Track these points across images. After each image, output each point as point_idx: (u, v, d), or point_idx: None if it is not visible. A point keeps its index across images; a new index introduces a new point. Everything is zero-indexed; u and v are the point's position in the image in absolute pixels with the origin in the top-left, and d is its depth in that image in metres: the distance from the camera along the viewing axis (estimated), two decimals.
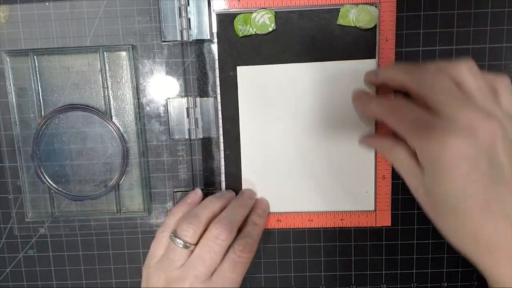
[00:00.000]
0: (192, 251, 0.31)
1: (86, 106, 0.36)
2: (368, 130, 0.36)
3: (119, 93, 0.36)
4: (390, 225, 0.37)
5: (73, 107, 0.36)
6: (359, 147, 0.36)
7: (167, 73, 0.36)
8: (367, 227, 0.38)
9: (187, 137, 0.36)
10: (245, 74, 0.36)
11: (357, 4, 0.34)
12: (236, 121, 0.37)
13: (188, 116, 0.36)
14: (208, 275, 0.30)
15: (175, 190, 0.37)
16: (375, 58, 0.35)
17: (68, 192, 0.37)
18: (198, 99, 0.36)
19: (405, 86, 0.29)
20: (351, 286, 0.39)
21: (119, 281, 0.39)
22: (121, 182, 0.37)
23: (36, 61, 0.35)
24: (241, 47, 0.35)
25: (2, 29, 0.35)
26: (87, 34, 0.35)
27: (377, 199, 0.37)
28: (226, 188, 0.38)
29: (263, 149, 0.37)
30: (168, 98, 0.36)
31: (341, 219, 0.37)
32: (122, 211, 0.38)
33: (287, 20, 0.35)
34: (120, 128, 0.36)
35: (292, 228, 0.38)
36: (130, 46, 0.35)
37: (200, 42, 0.35)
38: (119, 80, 0.36)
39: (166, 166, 0.37)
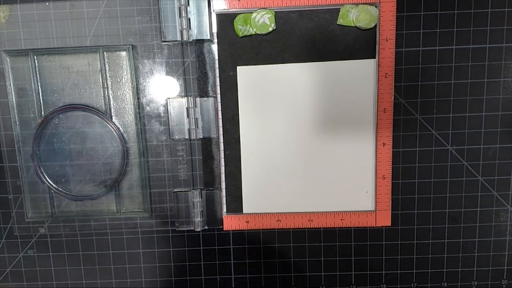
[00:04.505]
0: None
1: (86, 106, 0.36)
2: (368, 130, 0.36)
3: (119, 93, 0.36)
4: (390, 225, 0.37)
5: (73, 107, 0.36)
6: (359, 147, 0.36)
7: (167, 73, 0.36)
8: (367, 227, 0.38)
9: (187, 137, 0.36)
10: (245, 74, 0.36)
11: (357, 4, 0.34)
12: (236, 121, 0.37)
13: (188, 116, 0.36)
14: None
15: (175, 190, 0.37)
16: (375, 58, 0.35)
17: (68, 192, 0.37)
18: (198, 99, 0.36)
19: None
20: (351, 286, 0.39)
21: (119, 281, 0.39)
22: (121, 182, 0.37)
23: (36, 61, 0.35)
24: (241, 47, 0.35)
25: (2, 29, 0.35)
26: (87, 34, 0.35)
27: (377, 199, 0.37)
28: (226, 188, 0.38)
29: (263, 149, 0.37)
30: (168, 98, 0.36)
31: (341, 219, 0.37)
32: (122, 211, 0.38)
33: (287, 20, 0.35)
34: (120, 128, 0.36)
35: (292, 228, 0.38)
36: (130, 46, 0.35)
37: (200, 42, 0.35)
38: (119, 80, 0.36)
39: (166, 166, 0.37)
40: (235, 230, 0.38)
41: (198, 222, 0.37)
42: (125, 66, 0.36)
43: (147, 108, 0.36)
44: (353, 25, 0.34)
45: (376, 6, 0.34)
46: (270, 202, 0.37)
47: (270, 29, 0.35)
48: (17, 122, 0.36)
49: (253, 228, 0.38)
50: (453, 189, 0.37)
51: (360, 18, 0.34)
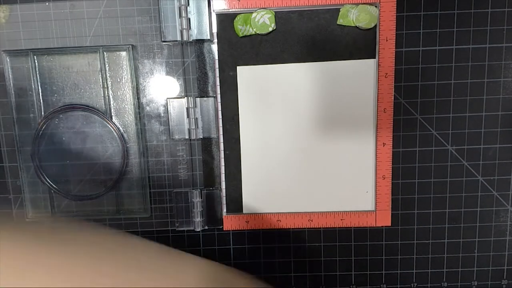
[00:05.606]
0: None
1: (86, 106, 0.36)
2: (368, 130, 0.36)
3: (119, 93, 0.36)
4: (390, 225, 0.37)
5: (73, 107, 0.36)
6: (359, 147, 0.36)
7: (167, 73, 0.36)
8: (367, 227, 0.38)
9: (187, 137, 0.36)
10: (245, 74, 0.36)
11: (357, 4, 0.34)
12: (236, 121, 0.37)
13: (188, 116, 0.36)
14: None
15: (175, 190, 0.37)
16: (375, 58, 0.35)
17: (68, 192, 0.37)
18: (198, 99, 0.36)
19: None
20: (351, 286, 0.39)
21: None
22: (121, 182, 0.37)
23: (36, 61, 0.35)
24: (241, 47, 0.35)
25: (2, 29, 0.35)
26: (87, 34, 0.35)
27: (377, 199, 0.37)
28: (226, 188, 0.38)
29: (263, 149, 0.37)
30: (168, 98, 0.36)
31: (341, 219, 0.37)
32: (122, 211, 0.38)
33: (287, 20, 0.35)
34: (120, 128, 0.36)
35: (292, 228, 0.38)
36: (130, 46, 0.35)
37: (200, 42, 0.35)
38: (119, 80, 0.36)
39: (166, 166, 0.37)
40: (235, 230, 0.38)
41: (198, 222, 0.37)
42: (125, 66, 0.36)
43: (147, 108, 0.36)
44: (353, 25, 0.34)
45: (376, 6, 0.34)
46: (270, 202, 0.37)
47: (270, 29, 0.35)
48: (17, 122, 0.36)
49: (253, 228, 0.38)
50: (453, 189, 0.37)
51: (360, 18, 0.34)
